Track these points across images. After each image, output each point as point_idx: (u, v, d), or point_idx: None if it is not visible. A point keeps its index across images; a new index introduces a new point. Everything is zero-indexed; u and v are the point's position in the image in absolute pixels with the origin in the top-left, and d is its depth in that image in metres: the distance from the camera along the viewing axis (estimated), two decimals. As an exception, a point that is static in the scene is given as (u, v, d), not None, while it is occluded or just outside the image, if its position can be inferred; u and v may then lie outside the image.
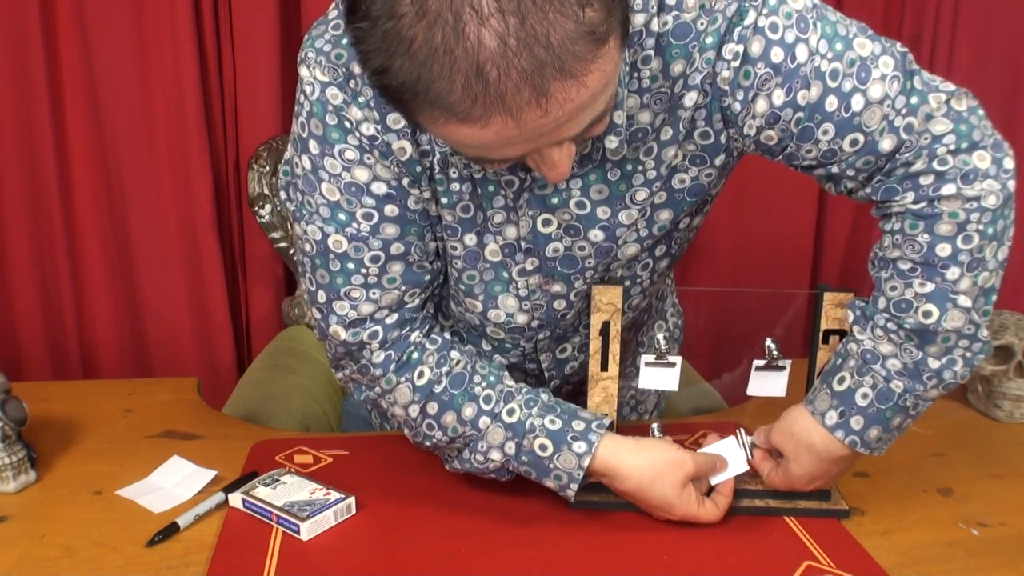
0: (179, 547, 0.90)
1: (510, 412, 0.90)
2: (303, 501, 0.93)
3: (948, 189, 0.82)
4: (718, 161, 0.89)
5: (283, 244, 1.71)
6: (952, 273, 0.83)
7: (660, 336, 0.95)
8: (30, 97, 1.65)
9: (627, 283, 0.99)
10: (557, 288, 0.95)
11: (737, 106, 0.83)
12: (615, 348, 0.94)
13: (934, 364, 0.85)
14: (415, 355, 0.92)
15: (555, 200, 0.89)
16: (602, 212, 0.90)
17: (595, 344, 0.94)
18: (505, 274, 0.95)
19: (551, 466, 0.90)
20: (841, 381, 0.88)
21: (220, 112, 1.76)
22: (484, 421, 0.90)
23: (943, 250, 0.83)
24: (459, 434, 0.91)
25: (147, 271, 1.79)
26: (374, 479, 1.02)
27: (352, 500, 0.95)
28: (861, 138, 0.83)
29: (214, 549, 0.89)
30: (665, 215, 0.92)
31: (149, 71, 1.69)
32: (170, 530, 0.91)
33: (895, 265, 0.86)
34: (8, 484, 0.99)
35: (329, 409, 1.48)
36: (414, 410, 0.92)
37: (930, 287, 0.83)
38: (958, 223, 0.82)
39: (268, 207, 1.69)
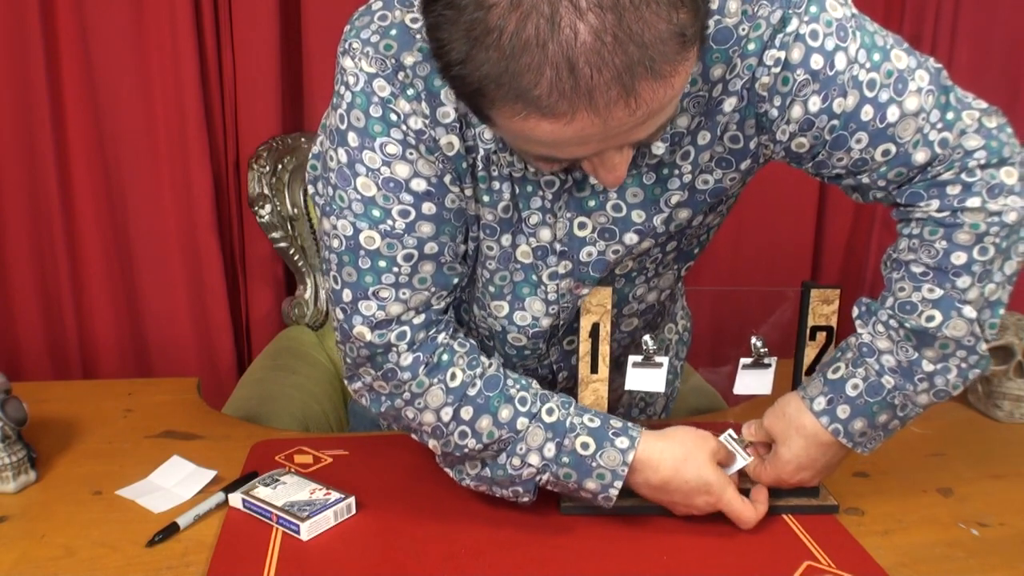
0: (179, 547, 0.90)
1: (549, 412, 0.89)
2: (303, 501, 0.93)
3: (973, 202, 0.82)
4: (743, 166, 0.89)
5: (283, 244, 1.71)
6: (963, 282, 0.83)
7: (647, 337, 0.94)
8: (30, 97, 1.65)
9: (634, 274, 0.98)
10: (586, 291, 0.93)
11: (774, 112, 0.83)
12: (604, 350, 0.93)
13: (928, 367, 0.86)
14: (445, 356, 0.88)
15: (592, 203, 0.88)
16: (637, 216, 0.89)
17: (585, 346, 0.93)
18: (534, 277, 0.93)
19: (593, 464, 0.88)
20: (836, 371, 0.89)
21: (220, 112, 1.76)
22: (522, 422, 0.88)
23: (958, 258, 0.83)
24: (495, 439, 0.88)
25: (147, 271, 1.79)
26: (374, 479, 1.02)
27: (352, 500, 0.95)
28: (894, 149, 0.83)
29: (214, 549, 0.89)
30: (684, 214, 0.91)
31: (149, 71, 1.69)
32: (170, 530, 0.91)
33: (907, 268, 0.86)
34: (8, 484, 0.99)
35: (329, 409, 1.48)
36: (447, 414, 0.88)
37: (939, 293, 0.84)
38: (977, 234, 0.82)
39: (268, 207, 1.69)
